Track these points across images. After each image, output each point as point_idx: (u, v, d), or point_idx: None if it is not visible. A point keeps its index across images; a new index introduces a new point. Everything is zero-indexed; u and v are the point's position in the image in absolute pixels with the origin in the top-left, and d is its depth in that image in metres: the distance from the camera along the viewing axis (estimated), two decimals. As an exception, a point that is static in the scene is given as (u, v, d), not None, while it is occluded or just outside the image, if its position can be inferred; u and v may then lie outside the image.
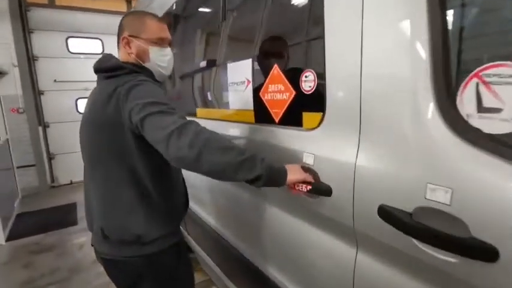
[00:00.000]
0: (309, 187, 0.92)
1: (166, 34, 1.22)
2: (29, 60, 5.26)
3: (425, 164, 0.63)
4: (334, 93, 0.88)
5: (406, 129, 0.67)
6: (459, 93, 0.60)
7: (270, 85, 1.16)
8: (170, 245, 1.19)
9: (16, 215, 4.32)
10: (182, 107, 2.11)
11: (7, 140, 4.80)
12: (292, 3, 1.11)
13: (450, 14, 0.63)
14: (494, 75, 0.55)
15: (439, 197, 0.60)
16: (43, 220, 4.18)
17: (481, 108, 0.57)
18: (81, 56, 5.78)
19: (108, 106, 1.02)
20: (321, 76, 0.92)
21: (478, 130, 0.57)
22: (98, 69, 1.18)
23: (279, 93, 1.12)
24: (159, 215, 1.14)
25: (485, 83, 0.56)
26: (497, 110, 0.54)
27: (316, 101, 0.94)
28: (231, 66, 1.42)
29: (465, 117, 0.59)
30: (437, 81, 0.62)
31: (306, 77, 0.99)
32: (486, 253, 0.54)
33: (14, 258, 3.18)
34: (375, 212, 0.73)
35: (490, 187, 0.54)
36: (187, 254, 1.31)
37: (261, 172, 0.88)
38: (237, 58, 1.38)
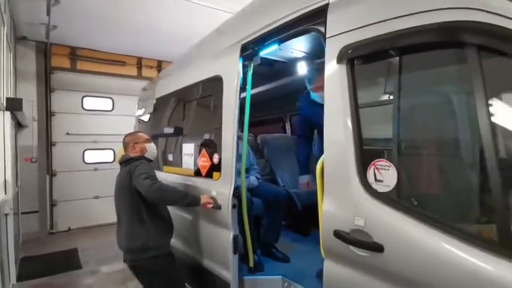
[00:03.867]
0: (211, 205, 2.14)
1: (148, 136, 2.47)
2: (47, 115, 5.89)
3: (354, 206, 1.25)
4: (224, 165, 2.15)
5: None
6: (367, 170, 1.24)
7: (201, 158, 2.49)
8: (164, 252, 2.16)
9: (20, 259, 4.55)
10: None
11: (18, 187, 5.20)
12: (207, 114, 2.56)
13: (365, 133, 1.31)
14: (380, 164, 1.20)
15: (360, 223, 1.20)
16: (48, 264, 4.44)
17: (376, 179, 1.21)
18: (94, 112, 6.47)
19: (127, 178, 2.12)
20: (220, 156, 2.19)
21: (375, 190, 1.20)
22: (121, 162, 2.31)
23: (205, 162, 2.43)
24: (154, 234, 2.12)
25: (377, 168, 1.20)
26: (381, 181, 1.18)
27: (218, 167, 2.21)
28: (184, 145, 2.84)
29: (370, 183, 1.22)
30: (358, 165, 1.27)
31: (215, 157, 2.31)
32: (380, 248, 1.13)
33: (27, 297, 3.45)
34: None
35: (380, 216, 1.16)
36: (175, 263, 2.28)
37: (189, 201, 2.13)
38: (187, 141, 2.81)
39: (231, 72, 2.22)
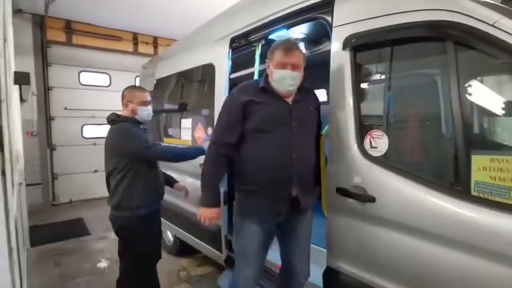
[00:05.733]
0: None
1: (148, 99, 2.29)
2: (45, 90, 5.95)
3: (353, 167, 1.55)
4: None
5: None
6: (364, 140, 1.54)
7: (197, 130, 2.83)
8: (137, 215, 2.13)
9: (29, 227, 4.79)
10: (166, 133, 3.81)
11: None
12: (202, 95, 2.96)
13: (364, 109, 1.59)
14: (375, 134, 1.49)
15: (357, 180, 1.52)
16: (57, 231, 4.71)
17: (371, 146, 1.51)
18: (91, 87, 6.54)
19: (115, 141, 2.15)
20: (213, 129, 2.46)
21: (370, 155, 1.50)
22: (108, 121, 2.25)
23: (200, 134, 2.79)
24: (128, 195, 2.11)
25: (372, 137, 1.50)
26: (375, 147, 1.48)
27: None
28: (183, 120, 3.24)
29: (366, 149, 1.52)
30: (357, 135, 1.56)
31: (209, 130, 2.66)
32: (372, 199, 1.45)
33: (43, 259, 3.74)
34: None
35: (374, 175, 1.47)
36: (145, 231, 2.20)
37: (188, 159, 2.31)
38: (187, 116, 3.21)
39: (222, 61, 2.63)
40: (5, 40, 2.00)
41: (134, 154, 2.10)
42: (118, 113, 2.27)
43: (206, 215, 1.68)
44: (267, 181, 1.59)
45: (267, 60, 1.66)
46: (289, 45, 1.59)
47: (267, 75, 1.65)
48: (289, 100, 1.63)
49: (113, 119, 2.21)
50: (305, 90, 1.70)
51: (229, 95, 1.73)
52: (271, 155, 1.57)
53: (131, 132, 2.13)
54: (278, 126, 1.58)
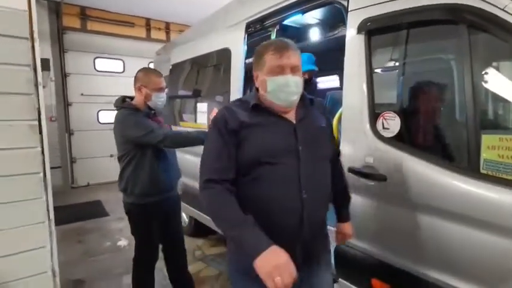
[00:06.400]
0: None
1: (163, 84, 2.20)
2: (62, 76, 6.11)
3: (365, 148, 1.62)
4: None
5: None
6: (377, 121, 1.59)
7: (213, 114, 2.57)
8: (136, 203, 2.13)
9: (52, 208, 5.05)
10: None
11: (42, 143, 5.57)
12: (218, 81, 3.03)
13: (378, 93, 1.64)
14: (387, 116, 1.55)
15: (369, 160, 1.58)
16: (77, 212, 4.95)
17: (383, 127, 1.56)
18: (106, 74, 6.68)
19: (116, 124, 2.13)
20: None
21: (382, 135, 1.56)
22: (115, 105, 2.22)
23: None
24: (132, 182, 2.11)
25: (385, 119, 1.56)
26: (387, 128, 1.54)
27: None
28: (199, 105, 3.28)
29: (378, 130, 1.58)
30: (370, 116, 1.62)
31: None
32: (384, 178, 1.52)
33: (66, 237, 3.96)
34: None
35: (385, 154, 1.53)
36: (148, 220, 2.17)
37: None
38: (202, 101, 3.28)
39: (238, 45, 2.68)
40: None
41: (134, 141, 2.06)
42: (128, 95, 2.26)
43: (280, 262, 0.98)
44: (270, 229, 1.08)
45: (253, 71, 1.28)
46: (283, 43, 1.20)
47: (256, 89, 1.29)
48: (291, 118, 1.25)
49: (117, 105, 2.19)
50: (308, 102, 1.34)
51: (212, 122, 1.25)
52: (274, 195, 1.16)
53: (128, 119, 2.07)
54: (282, 155, 1.17)
